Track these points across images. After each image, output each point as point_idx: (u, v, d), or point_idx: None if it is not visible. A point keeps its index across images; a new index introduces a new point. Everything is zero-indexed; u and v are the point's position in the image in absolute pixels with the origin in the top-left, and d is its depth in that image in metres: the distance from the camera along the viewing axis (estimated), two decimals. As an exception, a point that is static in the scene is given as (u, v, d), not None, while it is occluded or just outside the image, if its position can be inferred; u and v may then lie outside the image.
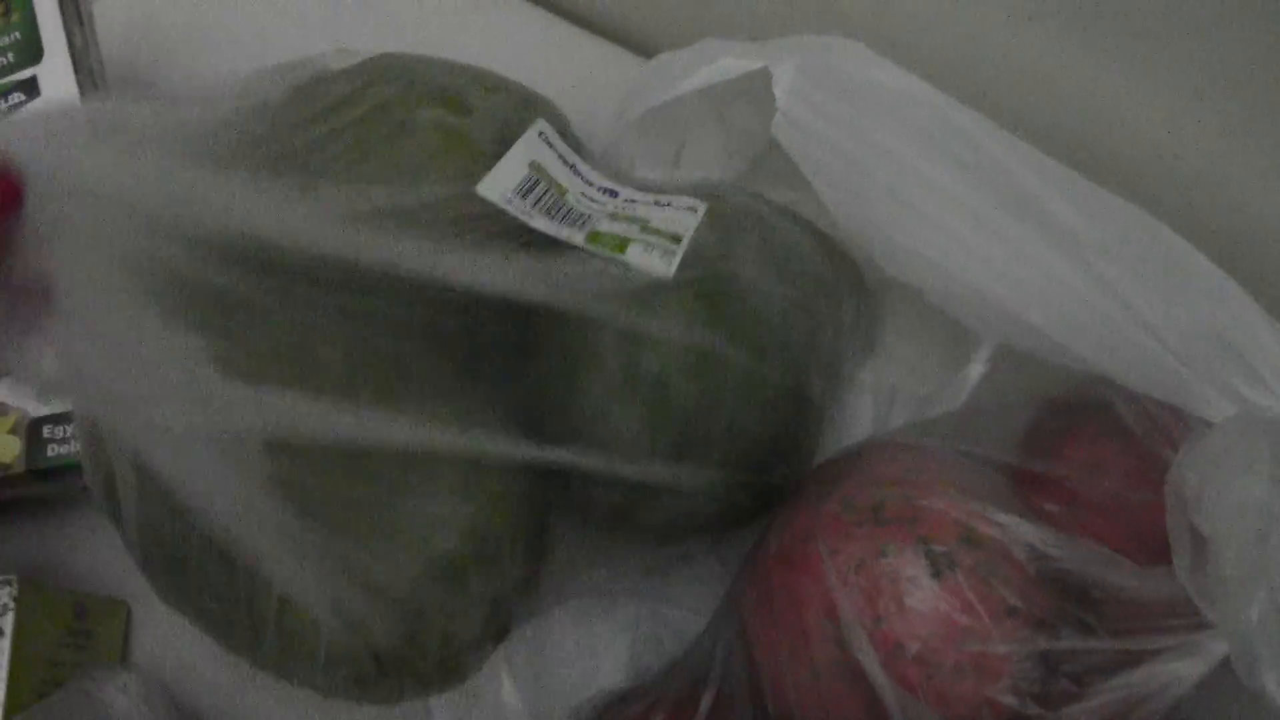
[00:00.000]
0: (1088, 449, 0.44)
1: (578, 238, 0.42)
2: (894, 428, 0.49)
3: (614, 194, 0.45)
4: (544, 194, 0.43)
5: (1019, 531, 0.40)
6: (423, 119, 0.42)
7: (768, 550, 0.43)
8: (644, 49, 0.62)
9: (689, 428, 0.42)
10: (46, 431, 0.52)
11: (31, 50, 0.52)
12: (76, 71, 0.52)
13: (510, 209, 0.42)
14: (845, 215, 0.45)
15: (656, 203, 0.44)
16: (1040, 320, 0.43)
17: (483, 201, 0.41)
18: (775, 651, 0.41)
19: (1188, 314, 0.42)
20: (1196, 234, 0.43)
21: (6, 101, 0.52)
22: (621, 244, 0.42)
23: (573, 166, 0.45)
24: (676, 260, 0.42)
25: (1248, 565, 0.34)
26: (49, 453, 0.52)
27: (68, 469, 0.52)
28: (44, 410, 0.52)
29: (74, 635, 0.52)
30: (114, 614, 0.55)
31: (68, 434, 0.52)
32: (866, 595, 0.40)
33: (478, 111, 0.44)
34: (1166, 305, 0.42)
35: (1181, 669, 0.38)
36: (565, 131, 0.47)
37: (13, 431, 0.52)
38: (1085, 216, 0.43)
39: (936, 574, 0.39)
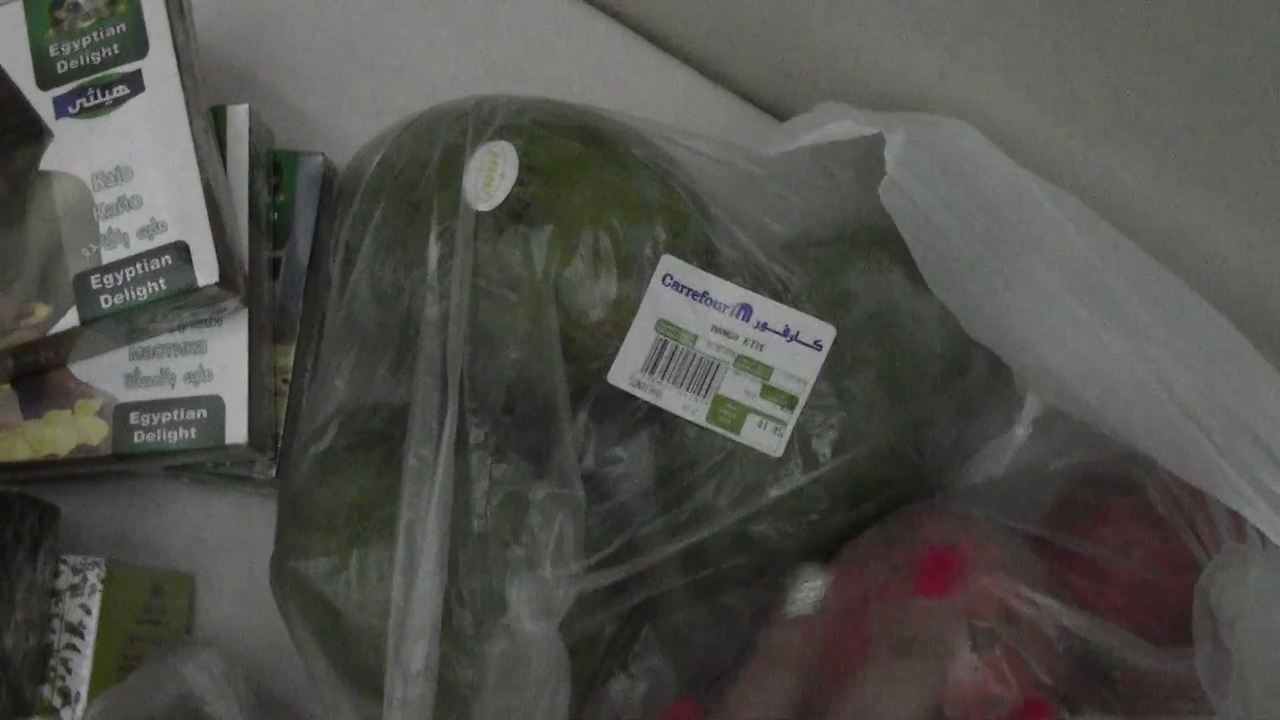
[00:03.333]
0: (1116, 528, 0.51)
1: (702, 411, 0.51)
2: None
3: (748, 313, 0.52)
4: (672, 357, 0.52)
5: (1052, 612, 0.47)
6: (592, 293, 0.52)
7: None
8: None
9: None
10: (134, 418, 0.57)
11: (138, 43, 0.57)
12: (179, 67, 0.57)
13: (639, 393, 0.52)
14: (935, 280, 0.52)
15: (787, 331, 0.52)
16: (1095, 397, 0.50)
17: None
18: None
19: (1232, 406, 0.48)
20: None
21: (111, 94, 0.56)
22: (737, 421, 0.51)
23: (704, 295, 0.52)
24: (785, 440, 0.51)
25: (1271, 688, 0.41)
26: (135, 439, 0.57)
27: (152, 455, 0.58)
28: (131, 397, 0.58)
29: (149, 612, 0.58)
30: (182, 588, 0.62)
31: (154, 422, 0.57)
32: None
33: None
34: (1214, 396, 0.48)
35: (1186, 748, 0.45)
36: (694, 246, 0.54)
37: (99, 414, 0.58)
38: (1153, 304, 0.49)
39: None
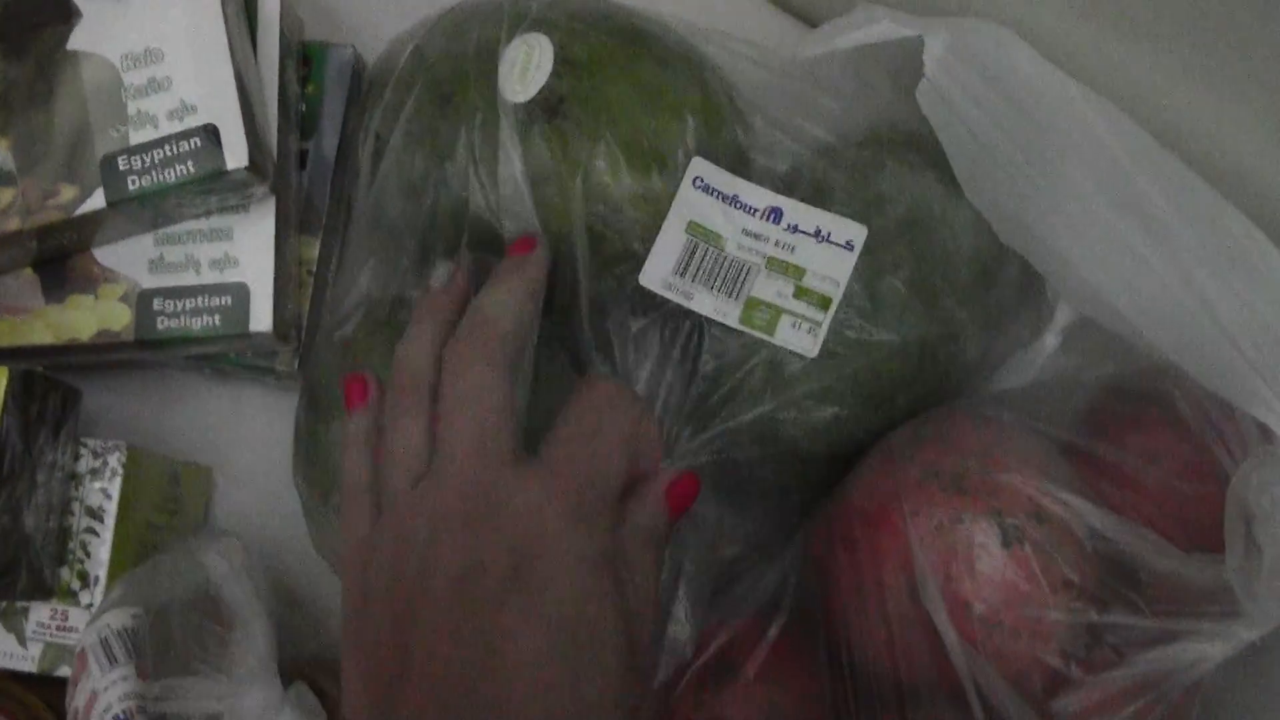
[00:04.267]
0: (1146, 437, 0.52)
1: (734, 314, 0.52)
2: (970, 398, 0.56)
3: (778, 216, 0.52)
4: (703, 260, 0.52)
5: (1082, 513, 0.48)
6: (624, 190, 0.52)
7: (851, 503, 0.50)
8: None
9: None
10: (157, 304, 0.58)
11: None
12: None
13: (670, 295, 0.52)
14: (970, 185, 0.52)
15: (818, 232, 0.52)
16: (1127, 307, 0.50)
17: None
18: (852, 596, 0.49)
19: (1265, 319, 0.48)
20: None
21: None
22: (771, 322, 0.52)
23: (734, 199, 0.52)
24: (820, 339, 0.52)
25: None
26: (159, 325, 0.57)
27: (175, 342, 0.58)
28: (155, 283, 0.58)
29: (168, 501, 0.59)
30: (201, 480, 0.62)
31: (178, 308, 0.57)
32: (942, 556, 0.47)
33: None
34: (1247, 310, 0.48)
35: (1210, 650, 0.46)
36: (727, 148, 0.54)
37: (123, 300, 0.58)
38: (1188, 215, 0.49)
39: (1006, 544, 0.47)
